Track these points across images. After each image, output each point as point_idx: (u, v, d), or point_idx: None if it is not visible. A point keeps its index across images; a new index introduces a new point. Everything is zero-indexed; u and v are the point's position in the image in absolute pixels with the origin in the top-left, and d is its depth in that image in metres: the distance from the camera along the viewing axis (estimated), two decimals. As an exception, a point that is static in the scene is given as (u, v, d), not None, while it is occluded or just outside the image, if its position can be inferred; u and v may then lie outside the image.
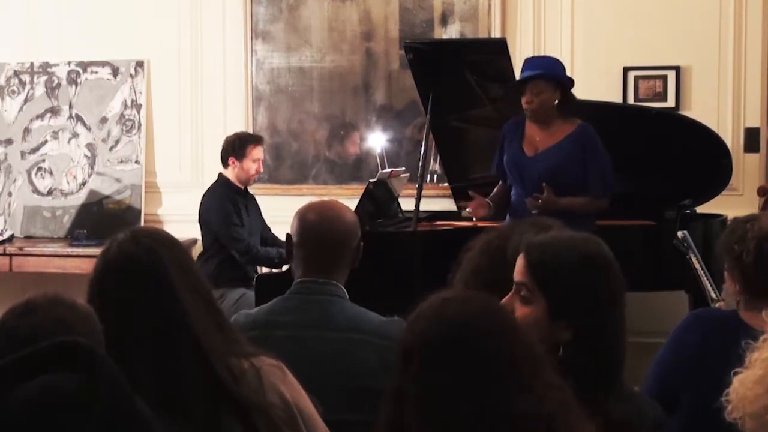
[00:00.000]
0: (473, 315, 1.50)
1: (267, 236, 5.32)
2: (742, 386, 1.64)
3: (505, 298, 1.83)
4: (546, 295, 1.78)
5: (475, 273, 2.08)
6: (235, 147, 5.12)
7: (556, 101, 4.19)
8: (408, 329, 1.54)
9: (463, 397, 1.43)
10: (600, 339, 1.78)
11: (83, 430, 1.11)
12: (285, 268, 4.84)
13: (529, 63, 4.33)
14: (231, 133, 5.90)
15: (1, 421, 1.12)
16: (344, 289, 2.48)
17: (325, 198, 5.29)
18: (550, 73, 4.20)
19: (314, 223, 2.49)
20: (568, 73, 5.23)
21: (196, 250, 5.47)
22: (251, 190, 5.34)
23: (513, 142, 4.31)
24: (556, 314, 1.77)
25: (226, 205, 5.05)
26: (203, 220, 5.12)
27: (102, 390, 1.14)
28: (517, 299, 1.82)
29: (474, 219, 4.43)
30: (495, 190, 4.47)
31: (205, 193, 5.19)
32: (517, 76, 4.79)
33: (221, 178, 5.19)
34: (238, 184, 5.16)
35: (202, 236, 5.17)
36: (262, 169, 5.25)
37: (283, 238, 5.19)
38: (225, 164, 5.16)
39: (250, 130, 5.86)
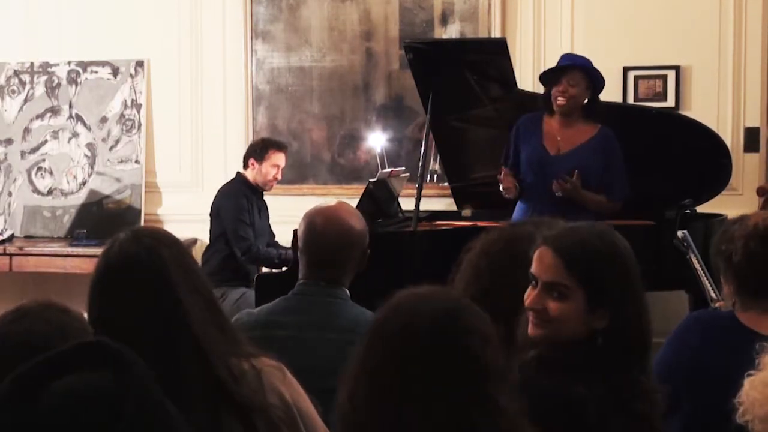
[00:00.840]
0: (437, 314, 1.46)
1: (272, 242, 5.32)
2: (752, 389, 1.63)
3: (532, 298, 1.84)
4: (584, 286, 1.80)
5: (476, 274, 2.09)
6: (257, 149, 5.17)
7: (585, 100, 4.22)
8: (377, 318, 1.52)
9: (411, 393, 1.40)
10: (634, 322, 1.82)
11: (114, 430, 1.12)
12: (285, 268, 4.85)
13: (568, 56, 4.41)
14: (231, 132, 5.93)
15: (33, 420, 1.13)
16: (347, 291, 2.48)
17: (327, 198, 5.31)
18: (588, 69, 4.25)
19: (320, 228, 2.48)
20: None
21: (197, 250, 5.47)
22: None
23: (532, 139, 4.31)
24: (594, 304, 1.80)
25: (240, 201, 5.08)
26: (214, 211, 5.14)
27: (132, 390, 1.14)
28: (548, 297, 1.82)
29: (505, 195, 4.32)
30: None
31: (221, 188, 5.21)
32: (518, 76, 4.80)
33: (239, 176, 5.21)
34: (255, 186, 5.19)
35: (210, 229, 5.18)
36: (280, 177, 5.25)
37: (284, 237, 5.22)
38: (245, 165, 5.19)
39: (250, 130, 5.86)
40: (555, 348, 1.84)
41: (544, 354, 1.84)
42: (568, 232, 1.89)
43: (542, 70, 4.57)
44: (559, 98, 4.21)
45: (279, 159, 5.18)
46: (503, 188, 4.30)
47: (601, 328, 1.80)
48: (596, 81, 4.26)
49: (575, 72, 4.22)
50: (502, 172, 4.29)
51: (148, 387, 1.18)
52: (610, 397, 1.75)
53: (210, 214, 5.18)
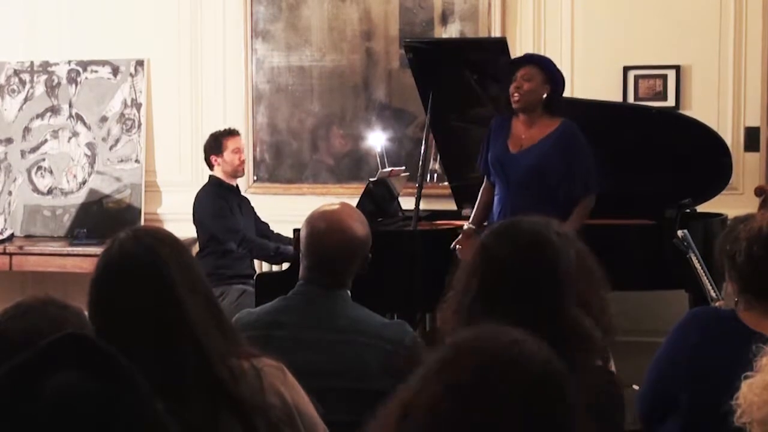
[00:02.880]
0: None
1: (267, 232, 5.33)
2: (750, 391, 1.63)
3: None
4: None
5: (473, 274, 2.08)
6: (212, 145, 5.21)
7: (544, 95, 4.19)
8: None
9: None
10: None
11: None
12: (285, 266, 4.85)
13: (527, 55, 4.43)
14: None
15: (23, 421, 1.13)
16: (348, 292, 2.48)
17: (326, 197, 5.31)
18: (544, 63, 4.24)
19: (323, 234, 2.47)
20: (568, 72, 5.23)
21: (196, 250, 5.47)
22: (248, 191, 5.33)
23: (499, 139, 4.30)
24: None
25: (217, 201, 5.10)
26: (197, 219, 5.16)
27: (124, 392, 1.14)
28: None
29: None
30: (481, 199, 4.40)
31: (197, 194, 5.22)
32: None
33: (211, 179, 5.24)
34: (229, 182, 5.21)
35: (197, 236, 5.19)
36: (244, 158, 5.32)
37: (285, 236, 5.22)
38: (210, 165, 5.22)
39: (250, 130, 5.86)
40: None
41: None
42: None
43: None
44: (514, 94, 4.18)
45: (236, 142, 5.23)
46: (457, 250, 4.20)
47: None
48: (553, 76, 4.22)
49: (529, 67, 4.19)
50: (462, 234, 4.23)
51: (140, 389, 1.17)
52: None
53: (193, 221, 5.19)
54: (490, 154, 4.31)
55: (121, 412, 1.13)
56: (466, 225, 4.33)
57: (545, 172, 4.15)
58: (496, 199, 4.30)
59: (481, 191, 4.44)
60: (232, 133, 5.26)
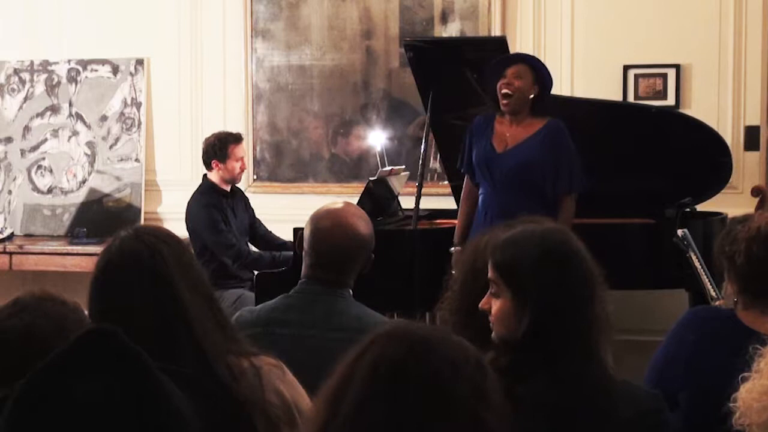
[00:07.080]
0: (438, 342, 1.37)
1: (262, 232, 5.27)
2: (748, 395, 1.63)
3: (483, 299, 1.90)
4: (510, 287, 1.85)
5: (472, 274, 2.08)
6: (216, 149, 5.02)
7: (532, 96, 4.16)
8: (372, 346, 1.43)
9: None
10: (557, 324, 1.83)
11: None
12: (283, 268, 4.84)
13: (516, 54, 4.42)
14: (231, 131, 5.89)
15: (56, 423, 1.13)
16: (350, 291, 2.48)
17: (327, 197, 5.31)
18: (535, 63, 4.21)
19: (327, 233, 2.46)
20: (568, 71, 5.25)
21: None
22: (248, 190, 5.28)
23: (482, 139, 4.25)
24: (521, 304, 1.84)
25: (212, 213, 4.96)
26: (190, 228, 5.03)
27: (147, 392, 1.14)
28: (491, 296, 1.89)
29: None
30: (462, 211, 4.36)
31: (189, 200, 5.09)
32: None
33: (206, 182, 5.10)
34: (223, 186, 5.08)
35: (192, 243, 5.10)
36: (246, 166, 5.20)
37: (285, 236, 5.20)
38: (208, 167, 5.08)
39: (250, 129, 5.86)
40: (497, 350, 1.86)
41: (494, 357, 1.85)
42: (509, 236, 1.92)
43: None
44: (503, 90, 4.13)
45: (240, 151, 5.07)
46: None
47: (524, 328, 1.82)
48: (543, 76, 4.19)
49: (519, 65, 4.15)
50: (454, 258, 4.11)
51: (162, 386, 1.17)
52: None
53: (186, 229, 5.03)
54: (474, 153, 4.28)
55: (146, 412, 1.13)
56: (453, 250, 4.21)
57: (532, 170, 4.11)
58: (480, 198, 4.27)
59: (462, 198, 4.40)
60: (238, 139, 5.10)
